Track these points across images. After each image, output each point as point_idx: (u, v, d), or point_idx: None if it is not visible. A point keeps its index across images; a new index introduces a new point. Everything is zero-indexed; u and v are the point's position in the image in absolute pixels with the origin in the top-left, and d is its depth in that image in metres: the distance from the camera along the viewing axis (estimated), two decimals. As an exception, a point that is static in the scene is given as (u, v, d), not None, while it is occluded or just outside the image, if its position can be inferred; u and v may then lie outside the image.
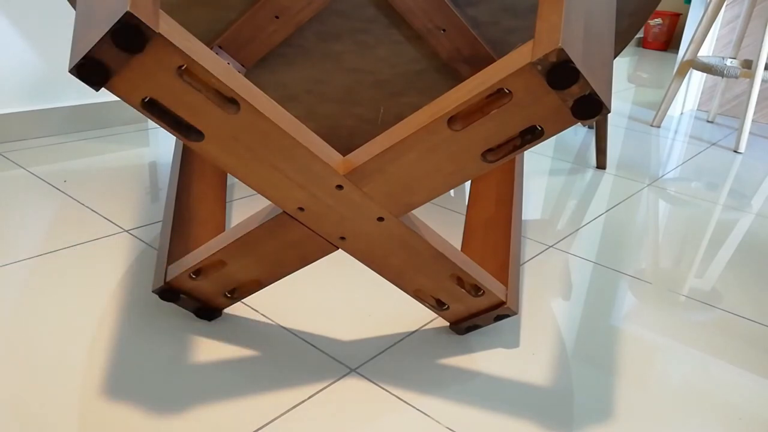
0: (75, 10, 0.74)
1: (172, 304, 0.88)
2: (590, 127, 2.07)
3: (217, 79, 0.57)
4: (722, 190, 1.58)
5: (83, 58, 0.52)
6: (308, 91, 1.22)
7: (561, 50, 0.52)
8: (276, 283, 0.96)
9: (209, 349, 0.79)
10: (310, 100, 1.24)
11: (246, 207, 1.24)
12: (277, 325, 0.85)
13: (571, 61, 0.52)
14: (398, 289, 0.90)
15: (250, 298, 0.91)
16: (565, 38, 0.52)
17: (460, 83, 0.77)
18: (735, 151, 1.95)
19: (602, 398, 0.76)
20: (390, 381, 0.76)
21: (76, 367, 0.74)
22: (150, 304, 0.88)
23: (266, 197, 0.67)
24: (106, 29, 0.51)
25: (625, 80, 3.09)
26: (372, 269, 0.76)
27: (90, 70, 0.53)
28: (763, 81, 1.92)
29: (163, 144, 1.57)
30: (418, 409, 0.72)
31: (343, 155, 1.08)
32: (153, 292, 0.80)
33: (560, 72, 0.53)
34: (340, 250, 0.84)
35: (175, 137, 1.19)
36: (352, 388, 0.74)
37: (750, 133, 2.21)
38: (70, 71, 0.52)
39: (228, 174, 1.21)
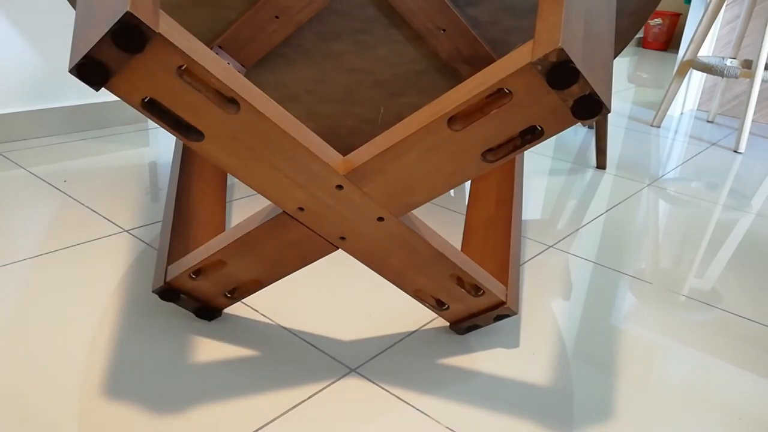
0: (75, 10, 0.74)
1: (172, 304, 0.88)
2: (590, 127, 2.07)
3: (217, 79, 0.57)
4: (722, 190, 1.58)
5: (83, 58, 0.52)
6: (308, 91, 1.22)
7: (561, 50, 0.52)
8: (276, 283, 0.96)
9: (209, 349, 0.79)
10: (310, 100, 1.24)
11: (246, 207, 1.24)
12: (277, 325, 0.85)
13: (571, 61, 0.52)
14: (398, 289, 0.90)
15: (250, 298, 0.91)
16: (565, 38, 0.52)
17: (460, 83, 0.77)
18: (735, 151, 1.95)
19: (602, 398, 0.76)
20: (390, 381, 0.76)
21: (76, 367, 0.74)
22: (150, 304, 0.88)
23: (266, 197, 0.67)
24: (106, 29, 0.51)
25: (625, 80, 3.09)
26: (372, 269, 0.76)
27: (90, 70, 0.53)
28: (763, 81, 1.92)
29: (163, 144, 1.57)
30: (418, 409, 0.72)
31: (343, 155, 1.08)
32: (153, 292, 0.80)
33: (560, 72, 0.53)
34: (340, 250, 0.84)
35: (175, 137, 1.19)
36: (352, 388, 0.74)
37: (750, 133, 2.21)
38: (70, 71, 0.52)
39: (228, 174, 1.21)
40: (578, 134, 2.00)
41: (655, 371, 0.82)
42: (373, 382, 0.76)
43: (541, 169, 1.63)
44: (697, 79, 2.43)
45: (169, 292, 0.80)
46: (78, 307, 0.85)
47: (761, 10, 2.32)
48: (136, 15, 0.50)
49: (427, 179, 0.64)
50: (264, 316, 0.87)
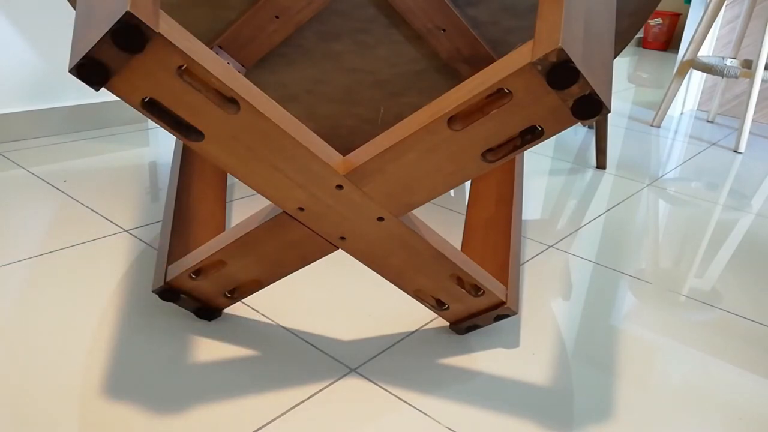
0: (75, 10, 0.74)
1: (172, 304, 0.88)
2: (590, 127, 2.07)
3: (217, 79, 0.57)
4: (722, 190, 1.58)
5: (83, 58, 0.52)
6: (308, 91, 1.22)
7: (561, 50, 0.52)
8: (276, 283, 0.96)
9: (209, 349, 0.79)
10: (310, 100, 1.24)
11: (246, 207, 1.24)
12: (277, 325, 0.85)
13: (571, 61, 0.52)
14: (398, 289, 0.90)
15: (250, 298, 0.91)
16: (565, 38, 0.52)
17: (460, 83, 0.77)
18: (735, 151, 1.95)
19: (602, 398, 0.76)
20: (390, 381, 0.76)
21: (76, 367, 0.74)
22: (150, 304, 0.88)
23: (266, 197, 0.67)
24: (106, 29, 0.51)
25: (625, 80, 3.09)
26: (372, 269, 0.76)
27: (90, 70, 0.53)
28: (763, 81, 1.92)
29: (163, 144, 1.57)
30: (418, 409, 0.72)
31: (343, 155, 1.08)
32: (153, 292, 0.80)
33: (560, 72, 0.53)
34: (340, 250, 0.84)
35: (175, 137, 1.19)
36: (352, 388, 0.74)
37: (750, 133, 2.21)
38: (70, 71, 0.52)
39: (228, 174, 1.21)
40: (578, 134, 2.00)
41: (655, 371, 0.82)
42: (373, 382, 0.76)
43: (541, 169, 1.63)
44: (697, 79, 2.43)
45: (169, 292, 0.80)
46: (78, 307, 0.85)
47: (761, 10, 2.32)
48: (136, 15, 0.50)
49: (427, 179, 0.64)
50: (264, 316, 0.87)
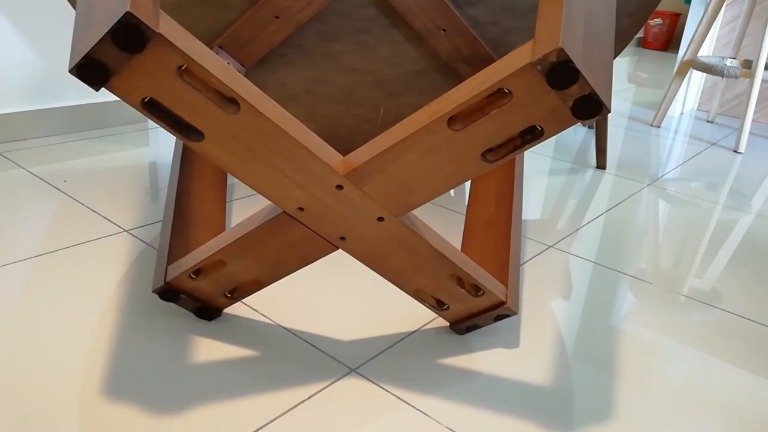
0: (75, 10, 0.74)
1: (172, 304, 0.88)
2: (590, 127, 2.07)
3: (217, 79, 0.57)
4: (722, 190, 1.58)
5: (83, 58, 0.52)
6: (308, 91, 1.22)
7: (561, 50, 0.52)
8: (276, 283, 0.96)
9: (209, 349, 0.79)
10: (310, 100, 1.24)
11: (246, 207, 1.24)
12: (277, 325, 0.85)
13: (571, 61, 0.52)
14: (398, 289, 0.90)
15: (250, 298, 0.91)
16: (565, 38, 0.52)
17: (460, 83, 0.77)
18: (735, 151, 1.95)
19: (602, 398, 0.76)
20: (390, 381, 0.76)
21: (76, 367, 0.74)
22: (150, 304, 0.88)
23: (266, 197, 0.67)
24: (106, 29, 0.51)
25: (625, 80, 3.09)
26: (372, 269, 0.76)
27: (90, 70, 0.53)
28: (763, 81, 1.92)
29: (163, 144, 1.57)
30: (418, 409, 0.72)
31: (343, 155, 1.08)
32: (153, 292, 0.80)
33: (560, 72, 0.53)
34: (340, 250, 0.84)
35: (175, 137, 1.19)
36: (352, 388, 0.74)
37: (750, 133, 2.21)
38: (70, 71, 0.52)
39: (228, 174, 1.21)
40: (578, 134, 2.00)
41: (655, 371, 0.82)
42: (373, 382, 0.76)
43: (541, 169, 1.63)
44: (697, 79, 2.43)
45: (169, 292, 0.80)
46: (78, 307, 0.85)
47: (761, 10, 2.32)
48: (136, 15, 0.50)
49: (427, 179, 0.64)
50: (264, 316, 0.87)
